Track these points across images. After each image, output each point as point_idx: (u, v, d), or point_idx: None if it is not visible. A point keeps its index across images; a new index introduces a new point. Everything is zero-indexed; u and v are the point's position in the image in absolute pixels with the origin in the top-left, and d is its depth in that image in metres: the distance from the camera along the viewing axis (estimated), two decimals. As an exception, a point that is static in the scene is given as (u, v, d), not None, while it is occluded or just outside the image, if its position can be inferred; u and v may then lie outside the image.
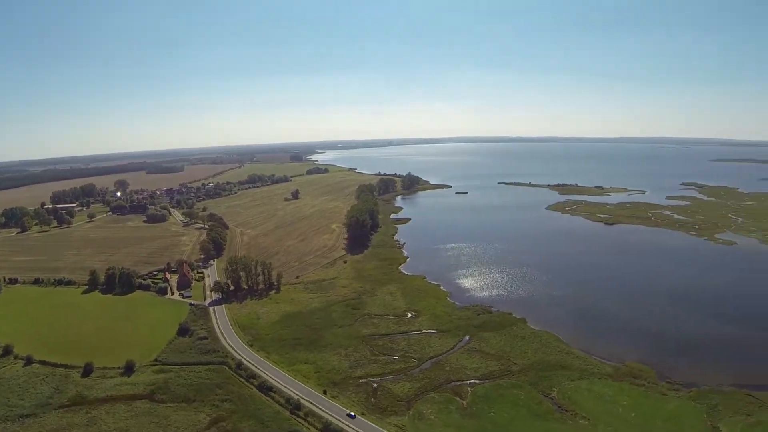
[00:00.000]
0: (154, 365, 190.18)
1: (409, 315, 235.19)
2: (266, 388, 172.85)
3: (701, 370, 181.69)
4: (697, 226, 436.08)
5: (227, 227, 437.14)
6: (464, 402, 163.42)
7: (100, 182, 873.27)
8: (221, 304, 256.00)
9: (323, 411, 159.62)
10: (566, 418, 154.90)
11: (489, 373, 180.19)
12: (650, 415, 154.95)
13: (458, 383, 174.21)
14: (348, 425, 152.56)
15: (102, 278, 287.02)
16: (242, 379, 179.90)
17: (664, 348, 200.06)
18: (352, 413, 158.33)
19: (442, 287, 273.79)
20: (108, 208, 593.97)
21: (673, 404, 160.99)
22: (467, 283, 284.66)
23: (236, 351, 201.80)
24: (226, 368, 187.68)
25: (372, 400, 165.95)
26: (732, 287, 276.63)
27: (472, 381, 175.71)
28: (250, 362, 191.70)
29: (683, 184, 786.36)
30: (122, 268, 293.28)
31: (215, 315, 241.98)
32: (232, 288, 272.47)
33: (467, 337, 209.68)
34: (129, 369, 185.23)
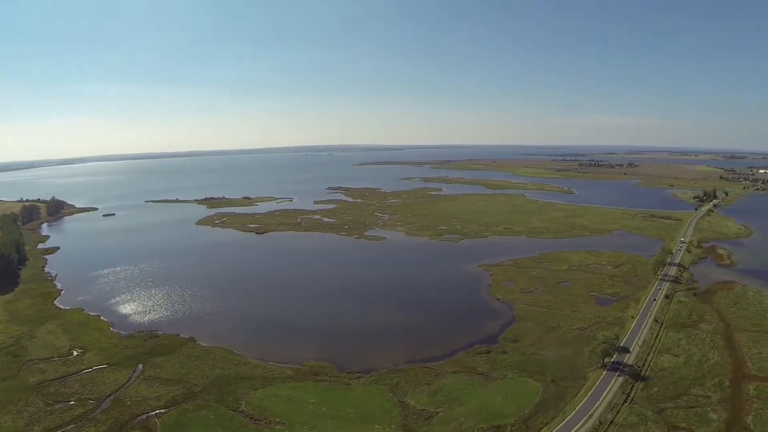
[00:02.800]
0: None
1: (75, 353, 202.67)
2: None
3: (378, 355, 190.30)
4: (347, 227, 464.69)
5: None
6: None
7: None
8: None
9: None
10: (261, 427, 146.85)
11: (172, 400, 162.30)
12: (340, 406, 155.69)
13: (144, 416, 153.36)
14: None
15: None
16: None
17: (339, 342, 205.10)
18: None
19: (102, 317, 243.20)
20: None
21: (359, 391, 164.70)
22: (128, 308, 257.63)
23: None
24: None
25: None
26: (388, 277, 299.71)
27: (157, 411, 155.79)
28: None
29: (329, 188, 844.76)
30: None
31: None
32: None
33: (140, 366, 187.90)
34: None
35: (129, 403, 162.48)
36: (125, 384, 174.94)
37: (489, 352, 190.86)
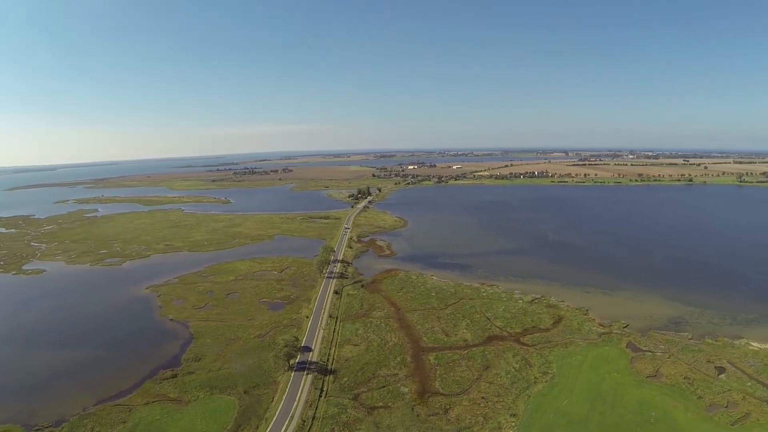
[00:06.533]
0: None
1: None
2: None
3: (64, 402, 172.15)
4: (2, 262, 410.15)
5: None
6: None
7: None
8: None
9: None
10: None
11: None
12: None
13: None
14: None
15: None
16: None
17: (19, 396, 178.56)
18: None
19: None
20: None
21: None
22: None
23: None
24: None
25: None
26: (53, 313, 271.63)
27: None
28: None
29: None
30: None
31: None
32: None
33: None
34: None
35: None
36: None
37: (175, 375, 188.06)
